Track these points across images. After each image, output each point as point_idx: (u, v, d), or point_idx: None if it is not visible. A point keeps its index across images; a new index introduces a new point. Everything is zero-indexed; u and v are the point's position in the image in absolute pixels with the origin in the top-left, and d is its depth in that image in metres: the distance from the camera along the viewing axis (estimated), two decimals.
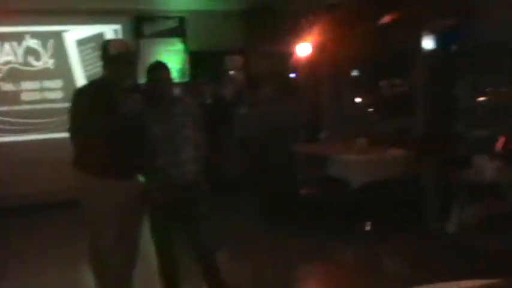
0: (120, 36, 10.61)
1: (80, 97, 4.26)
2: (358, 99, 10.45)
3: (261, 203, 8.47)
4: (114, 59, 4.25)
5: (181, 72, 11.28)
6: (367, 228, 7.28)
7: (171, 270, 4.78)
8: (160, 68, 4.67)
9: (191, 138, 4.59)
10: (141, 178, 4.54)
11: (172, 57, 11.15)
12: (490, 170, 5.50)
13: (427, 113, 8.22)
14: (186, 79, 11.21)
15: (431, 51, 8.97)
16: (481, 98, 10.79)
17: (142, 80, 4.71)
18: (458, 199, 5.60)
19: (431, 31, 8.97)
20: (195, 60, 11.44)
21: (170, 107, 4.60)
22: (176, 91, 8.04)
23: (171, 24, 11.44)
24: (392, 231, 6.89)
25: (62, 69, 10.37)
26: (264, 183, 8.35)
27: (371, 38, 9.91)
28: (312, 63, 10.76)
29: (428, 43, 9.02)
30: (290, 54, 10.85)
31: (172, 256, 4.74)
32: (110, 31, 10.68)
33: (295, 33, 10.56)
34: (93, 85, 4.54)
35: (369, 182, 7.21)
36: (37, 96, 10.28)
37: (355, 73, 10.74)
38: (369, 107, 10.11)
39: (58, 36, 10.37)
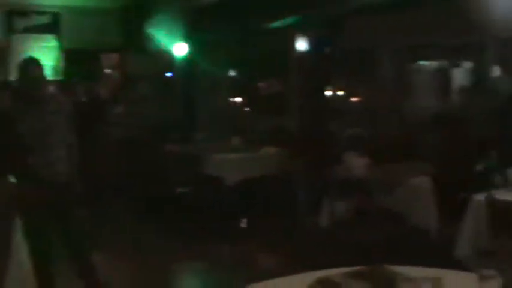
0: None
1: None
2: (235, 99, 10.60)
3: (136, 204, 8.41)
4: None
5: (55, 70, 10.97)
6: (243, 225, 7.41)
7: (46, 271, 4.65)
8: (32, 64, 4.52)
9: (63, 138, 4.49)
10: (12, 178, 4.40)
11: (46, 54, 10.81)
12: (358, 167, 5.76)
13: (301, 112, 8.49)
14: (59, 77, 10.92)
15: (305, 54, 9.25)
16: (353, 99, 11.28)
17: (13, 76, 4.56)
18: (330, 195, 5.83)
19: (306, 35, 9.26)
20: (70, 58, 11.17)
21: (42, 105, 4.46)
22: (49, 89, 7.80)
23: (45, 19, 11.11)
24: (267, 227, 7.05)
25: None
26: (140, 183, 8.30)
27: (247, 39, 10.12)
28: (189, 62, 10.80)
29: (302, 45, 9.31)
30: (166, 53, 10.83)
31: (47, 257, 4.61)
32: None
33: (172, 31, 10.56)
34: None
35: (244, 179, 7.35)
36: None
37: (232, 73, 10.89)
38: (246, 107, 10.29)
39: None
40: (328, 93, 9.46)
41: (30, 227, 4.48)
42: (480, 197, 4.62)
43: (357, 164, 5.76)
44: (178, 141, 8.81)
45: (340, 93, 10.96)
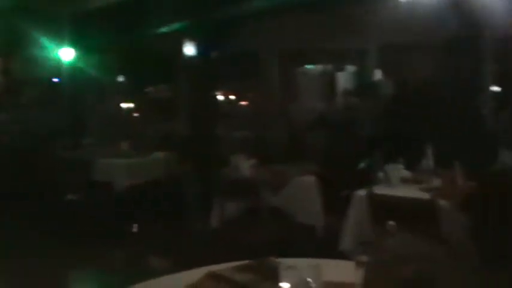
0: None
1: None
2: (124, 104, 10.52)
3: (26, 211, 8.17)
4: None
5: None
6: (134, 229, 7.38)
7: None
8: None
9: None
10: None
11: None
12: (246, 168, 5.89)
13: (189, 116, 8.56)
14: None
15: (193, 58, 9.33)
16: (241, 102, 11.48)
17: None
18: (219, 196, 5.93)
19: (193, 39, 9.34)
20: None
21: None
22: None
23: None
24: (159, 230, 7.06)
25: None
26: (29, 190, 8.08)
27: (135, 44, 10.07)
28: (76, 67, 10.62)
29: (190, 50, 9.38)
30: (53, 58, 10.59)
31: None
32: None
33: (59, 36, 10.34)
34: None
35: (134, 184, 7.34)
36: None
37: (121, 79, 10.80)
38: (135, 112, 10.24)
39: None
40: (216, 97, 9.58)
41: None
42: (362, 192, 4.87)
43: (244, 165, 5.89)
44: (67, 147, 8.64)
45: (228, 97, 11.15)
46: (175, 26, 9.44)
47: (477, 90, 8.42)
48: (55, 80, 10.97)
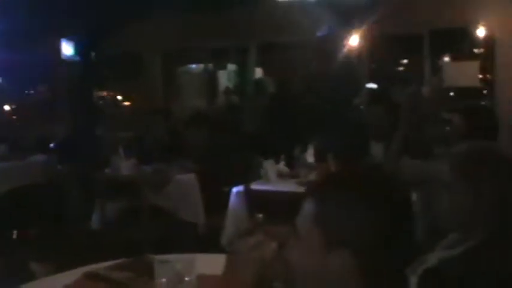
0: None
1: None
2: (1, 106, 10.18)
3: None
4: None
5: None
6: (14, 236, 7.18)
7: None
8: None
9: None
10: None
11: None
12: (127, 168, 5.91)
13: (69, 117, 8.43)
14: None
15: (71, 59, 9.19)
16: (123, 102, 11.38)
17: None
18: (100, 197, 5.91)
19: (70, 39, 9.19)
20: None
21: None
22: None
23: None
24: (38, 234, 6.92)
25: None
26: None
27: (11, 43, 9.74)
28: None
29: (68, 50, 9.22)
30: None
31: None
32: None
33: None
34: None
35: (11, 189, 7.14)
36: None
37: None
38: (13, 114, 9.93)
39: None
40: (97, 97, 9.47)
41: None
42: (239, 189, 5.05)
43: (125, 165, 5.90)
44: None
45: (109, 97, 11.04)
46: (54, 25, 9.25)
47: (351, 86, 8.84)
48: None
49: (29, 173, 7.49)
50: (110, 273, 2.73)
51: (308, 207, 1.44)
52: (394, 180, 1.48)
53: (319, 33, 8.17)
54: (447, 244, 2.12)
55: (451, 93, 9.68)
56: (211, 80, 11.59)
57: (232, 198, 5.06)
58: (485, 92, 9.42)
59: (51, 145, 7.97)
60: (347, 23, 8.47)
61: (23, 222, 7.24)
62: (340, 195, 1.39)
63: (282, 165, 5.51)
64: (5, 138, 8.18)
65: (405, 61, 10.92)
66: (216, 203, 5.54)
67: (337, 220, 1.36)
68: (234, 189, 5.12)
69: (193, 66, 12.05)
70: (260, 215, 2.33)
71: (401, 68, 11.03)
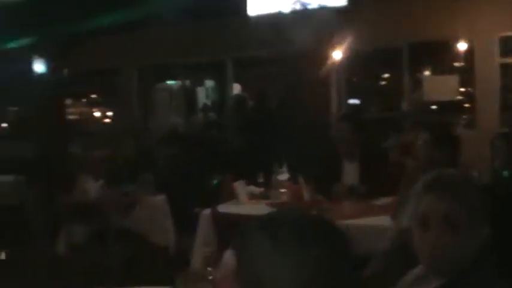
0: None
1: None
2: None
3: None
4: None
5: None
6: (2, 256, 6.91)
7: None
8: None
9: None
10: None
11: None
12: (93, 190, 5.70)
13: (38, 137, 8.21)
14: None
15: (42, 76, 8.99)
16: (94, 119, 11.11)
17: None
18: (66, 220, 5.69)
19: (42, 55, 9.00)
20: None
21: None
22: None
23: None
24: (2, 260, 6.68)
25: None
26: None
27: None
28: None
29: (39, 67, 9.03)
30: None
31: None
32: None
33: None
34: None
35: None
36: None
37: None
38: None
39: None
40: (67, 115, 9.26)
41: None
42: (209, 211, 4.84)
43: (91, 186, 5.70)
44: None
45: (82, 114, 10.81)
46: (24, 41, 9.06)
47: (326, 103, 8.68)
48: None
49: None
50: None
51: (227, 261, 1.25)
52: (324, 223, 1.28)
53: (295, 48, 8.02)
54: (410, 281, 1.94)
55: (433, 107, 9.59)
56: (188, 96, 11.41)
57: (201, 221, 4.85)
58: (466, 105, 9.33)
59: (20, 165, 7.72)
60: (324, 37, 8.33)
61: None
62: (258, 246, 1.19)
63: (252, 187, 5.31)
64: None
65: (386, 75, 10.80)
66: (187, 224, 5.33)
67: (257, 275, 1.16)
68: (204, 212, 4.91)
69: (171, 82, 11.87)
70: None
71: (382, 83, 10.92)
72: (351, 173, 4.92)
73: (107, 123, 11.66)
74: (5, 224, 6.94)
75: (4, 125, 9.87)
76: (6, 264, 6.89)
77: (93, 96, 11.95)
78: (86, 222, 5.59)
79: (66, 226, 5.70)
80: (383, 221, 4.03)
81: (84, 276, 5.13)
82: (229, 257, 1.25)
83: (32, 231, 6.71)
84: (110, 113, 11.67)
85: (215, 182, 6.03)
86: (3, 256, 6.88)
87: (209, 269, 2.36)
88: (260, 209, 4.69)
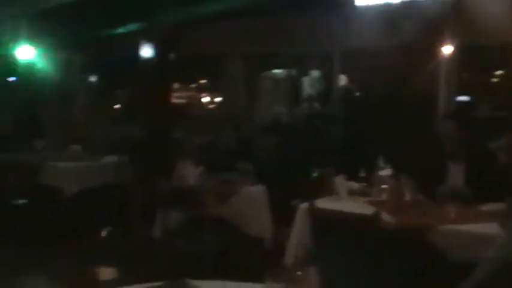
0: None
1: None
2: (78, 106, 10.24)
3: None
4: None
5: None
6: (81, 236, 7.11)
7: None
8: None
9: None
10: None
11: None
12: (192, 176, 5.67)
13: (144, 119, 8.32)
14: None
15: (151, 60, 9.09)
16: (198, 106, 11.23)
17: None
18: (163, 204, 5.70)
19: (151, 40, 9.10)
20: None
21: None
22: None
23: None
24: (103, 238, 6.83)
25: None
26: None
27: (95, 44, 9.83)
28: (33, 66, 10.30)
29: (147, 52, 9.14)
30: (9, 56, 10.26)
31: None
32: None
33: (16, 34, 10.02)
34: None
35: (83, 189, 7.09)
36: None
37: (77, 80, 10.52)
38: (89, 114, 9.95)
39: None
40: (172, 100, 9.35)
41: None
42: (306, 205, 4.68)
43: (190, 172, 5.67)
44: (17, 149, 8.32)
45: (185, 100, 10.91)
46: (134, 26, 9.22)
47: (434, 99, 8.29)
48: (11, 79, 10.63)
49: (101, 175, 7.44)
50: None
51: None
52: None
53: (403, 40, 7.70)
54: None
55: None
56: (293, 86, 11.28)
57: (298, 215, 4.70)
58: None
59: (125, 147, 7.85)
60: (434, 30, 7.95)
61: (91, 224, 7.17)
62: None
63: (352, 182, 5.10)
64: (78, 139, 8.16)
65: (499, 72, 10.21)
66: (285, 217, 5.20)
67: None
68: (302, 205, 4.75)
69: (276, 71, 11.77)
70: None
71: (495, 80, 10.34)
72: (456, 175, 4.63)
73: (211, 109, 11.74)
74: (108, 202, 7.10)
75: (117, 106, 10.13)
76: (107, 241, 7.07)
77: (201, 82, 12.06)
78: (182, 208, 5.57)
79: (163, 210, 5.71)
80: (489, 228, 3.74)
81: (176, 263, 5.12)
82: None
83: (132, 213, 6.81)
84: (216, 99, 11.73)
85: (315, 174, 5.86)
86: (104, 233, 7.07)
87: (299, 273, 2.20)
88: (359, 206, 4.50)
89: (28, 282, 6.15)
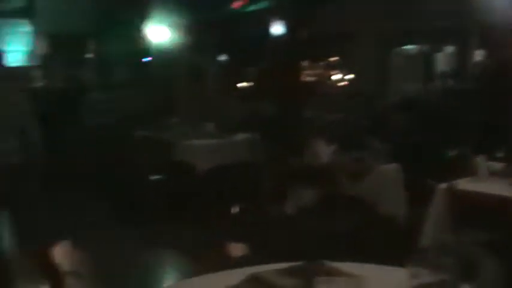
0: None
1: None
2: (211, 84, 10.42)
3: (107, 191, 8.25)
4: None
5: (31, 55, 10.73)
6: (213, 212, 7.27)
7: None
8: None
9: (17, 125, 4.36)
10: None
11: (20, 39, 10.58)
12: (326, 154, 5.62)
13: (275, 97, 8.33)
14: (36, 62, 10.68)
15: (281, 38, 9.09)
16: (329, 84, 11.11)
17: None
18: (296, 181, 5.70)
19: (281, 18, 9.09)
20: (46, 42, 10.93)
21: None
22: (14, 74, 7.67)
23: (19, 3, 10.78)
24: (237, 215, 6.93)
25: None
26: (111, 170, 8.15)
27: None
28: (167, 46, 10.59)
29: (278, 29, 9.14)
30: (145, 37, 10.63)
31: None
32: None
33: (151, 15, 10.35)
34: None
35: (217, 166, 7.23)
36: None
37: (210, 59, 10.71)
38: (222, 92, 10.11)
39: None
40: (305, 77, 9.30)
41: None
42: (444, 186, 4.50)
43: (323, 150, 5.62)
44: (153, 127, 8.63)
45: (316, 77, 10.83)
46: (264, 4, 9.23)
47: None
48: (146, 59, 10.99)
49: (233, 152, 7.55)
50: (276, 279, 2.44)
51: None
52: None
53: None
54: None
55: None
56: (426, 62, 10.91)
57: (436, 196, 4.53)
58: None
59: (256, 125, 7.92)
60: None
61: (224, 200, 7.31)
62: None
63: (493, 162, 4.84)
64: (212, 117, 8.31)
65: None
66: (420, 197, 5.03)
67: None
68: (440, 186, 4.57)
69: (409, 47, 11.43)
70: None
71: None
72: None
73: (342, 86, 11.60)
74: (240, 180, 7.20)
75: (245, 84, 10.23)
76: (238, 218, 7.18)
77: (332, 59, 11.92)
78: (315, 185, 5.54)
79: (295, 188, 5.70)
80: None
81: (310, 243, 5.10)
82: None
83: (263, 190, 6.86)
84: (347, 77, 11.57)
85: (452, 154, 5.63)
86: (235, 210, 7.19)
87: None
88: (502, 188, 4.26)
89: (160, 256, 6.38)
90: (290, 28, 8.98)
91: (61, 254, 5.35)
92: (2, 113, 4.33)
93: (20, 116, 4.41)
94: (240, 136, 7.77)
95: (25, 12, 10.66)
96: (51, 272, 4.53)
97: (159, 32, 10.36)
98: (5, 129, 4.32)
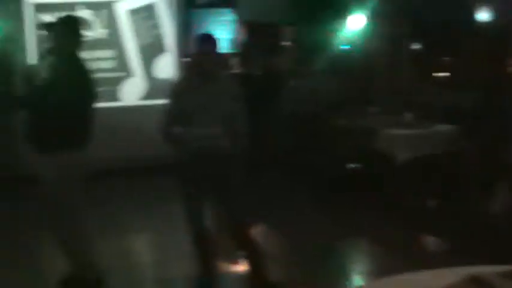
0: (172, 6, 10.48)
1: None
2: (409, 73, 10.17)
3: (306, 177, 8.42)
4: None
5: (233, 43, 11.17)
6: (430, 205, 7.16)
7: (204, 240, 4.77)
8: (204, 40, 4.68)
9: (228, 111, 4.55)
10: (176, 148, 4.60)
11: (224, 28, 11.04)
12: None
13: (479, 88, 7.93)
14: (237, 50, 11.10)
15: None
16: None
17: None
18: (505, 179, 5.42)
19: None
20: (247, 31, 11.30)
21: (212, 80, 4.57)
22: (223, 63, 8.03)
23: None
24: (436, 210, 6.79)
25: (114, 39, 10.35)
26: (309, 157, 8.30)
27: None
28: (366, 34, 10.49)
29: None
30: (344, 25, 10.60)
31: (204, 227, 4.75)
32: (161, 1, 10.56)
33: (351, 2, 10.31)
34: None
35: (414, 157, 7.11)
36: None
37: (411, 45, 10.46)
38: (421, 81, 9.83)
39: (110, 6, 10.32)
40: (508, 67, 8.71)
41: (189, 197, 4.64)
42: None
43: None
44: (351, 115, 8.63)
45: None
46: None
47: None
48: (345, 47, 10.95)
49: (433, 143, 7.38)
50: (501, 281, 2.35)
51: None
52: None
53: None
54: None
55: None
56: None
57: None
58: None
59: (457, 116, 7.64)
60: None
61: (421, 192, 7.17)
62: None
63: None
64: (411, 106, 8.16)
65: None
66: None
67: None
68: None
69: None
70: None
71: None
72: None
73: None
74: (439, 172, 7.01)
75: (444, 74, 9.85)
76: (435, 211, 7.01)
77: None
78: None
79: (504, 185, 5.44)
80: None
81: None
82: None
83: (466, 184, 6.62)
84: None
85: None
86: (432, 203, 7.04)
87: None
88: None
89: (355, 247, 6.40)
90: (498, 12, 8.42)
91: (259, 235, 5.56)
92: (215, 100, 4.53)
93: (231, 102, 4.59)
94: (440, 127, 7.56)
95: (228, 2, 11.09)
96: (251, 250, 4.72)
97: (358, 20, 10.29)
98: (218, 115, 4.52)
